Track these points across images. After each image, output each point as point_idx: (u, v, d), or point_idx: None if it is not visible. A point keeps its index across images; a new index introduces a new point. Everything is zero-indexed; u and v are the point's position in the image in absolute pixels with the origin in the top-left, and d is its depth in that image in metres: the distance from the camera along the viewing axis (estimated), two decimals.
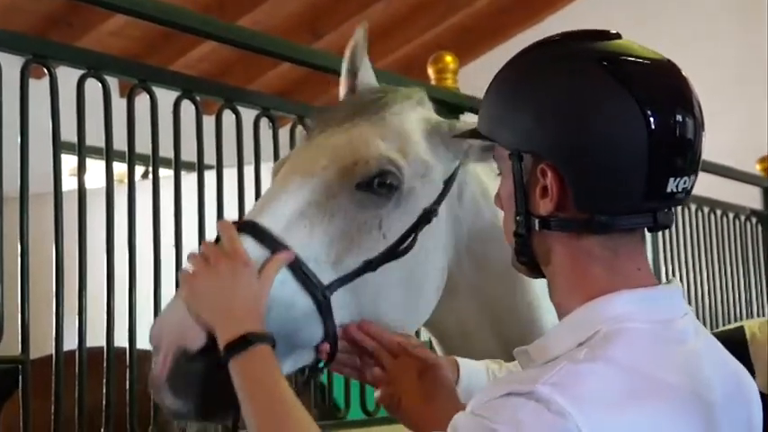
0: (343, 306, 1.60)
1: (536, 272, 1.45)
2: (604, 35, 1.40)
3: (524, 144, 1.38)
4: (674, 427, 1.26)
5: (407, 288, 1.67)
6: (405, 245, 1.66)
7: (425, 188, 1.70)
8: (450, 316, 1.83)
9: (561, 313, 1.41)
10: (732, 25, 7.40)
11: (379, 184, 1.63)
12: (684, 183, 1.35)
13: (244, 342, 1.46)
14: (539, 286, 1.81)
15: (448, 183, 1.74)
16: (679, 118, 1.33)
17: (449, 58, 3.31)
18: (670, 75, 1.38)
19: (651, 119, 1.31)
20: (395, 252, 1.64)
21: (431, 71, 3.31)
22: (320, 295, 1.58)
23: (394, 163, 1.66)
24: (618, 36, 1.41)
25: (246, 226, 1.60)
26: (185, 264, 1.62)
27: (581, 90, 1.34)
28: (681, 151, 1.34)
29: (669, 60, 1.39)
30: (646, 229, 1.41)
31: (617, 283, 1.35)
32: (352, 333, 1.63)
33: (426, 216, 1.69)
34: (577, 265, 1.37)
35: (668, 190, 1.34)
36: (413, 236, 1.66)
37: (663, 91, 1.35)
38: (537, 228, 1.39)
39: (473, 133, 1.52)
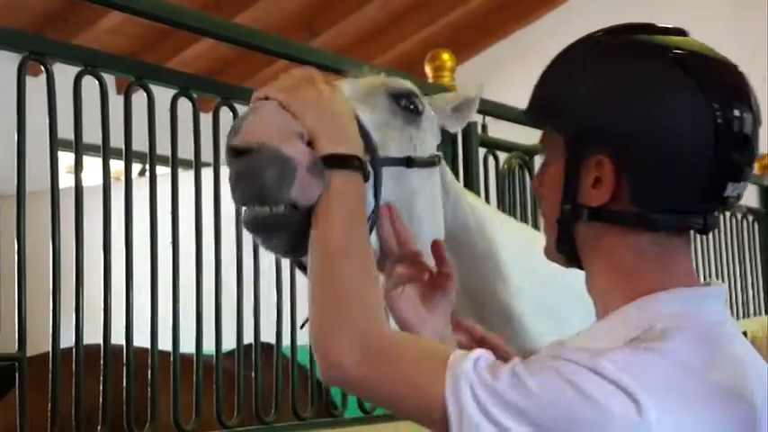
0: (385, 190, 1.53)
1: (574, 262, 1.41)
2: (667, 29, 1.37)
3: (582, 131, 1.33)
4: (724, 429, 1.23)
5: (434, 203, 1.67)
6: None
7: (432, 135, 1.70)
8: None
9: (602, 306, 1.37)
10: (731, 25, 7.40)
11: (404, 107, 1.62)
12: (741, 187, 1.32)
13: (348, 160, 1.38)
14: (516, 274, 1.81)
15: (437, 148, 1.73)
16: (743, 115, 1.30)
17: (446, 56, 3.27)
18: (733, 72, 1.35)
19: (719, 113, 1.27)
20: (426, 161, 1.62)
21: (428, 69, 3.29)
22: (377, 158, 1.50)
23: (416, 91, 1.67)
24: (680, 32, 1.37)
25: None
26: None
27: (648, 80, 1.30)
28: (743, 150, 1.30)
29: (728, 59, 1.36)
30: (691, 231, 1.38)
31: (666, 280, 1.32)
32: (381, 212, 1.54)
33: (437, 158, 1.67)
34: (625, 260, 1.33)
35: (725, 194, 1.30)
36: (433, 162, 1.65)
37: (729, 87, 1.31)
38: (585, 218, 1.34)
39: (524, 115, 1.45)
